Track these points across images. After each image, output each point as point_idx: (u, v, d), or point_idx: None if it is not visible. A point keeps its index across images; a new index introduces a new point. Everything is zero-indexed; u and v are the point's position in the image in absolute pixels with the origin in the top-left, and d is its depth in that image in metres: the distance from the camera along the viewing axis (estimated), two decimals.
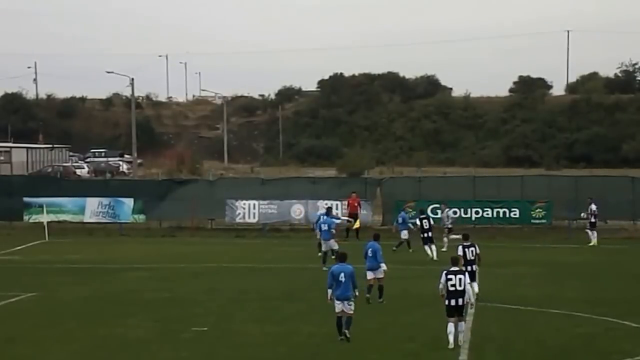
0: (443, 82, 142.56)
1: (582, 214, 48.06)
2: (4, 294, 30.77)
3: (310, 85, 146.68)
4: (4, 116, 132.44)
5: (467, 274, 23.06)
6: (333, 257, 33.67)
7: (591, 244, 46.38)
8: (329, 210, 40.87)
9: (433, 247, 40.45)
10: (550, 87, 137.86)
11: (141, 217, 54.85)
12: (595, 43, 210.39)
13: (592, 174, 63.45)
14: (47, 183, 61.90)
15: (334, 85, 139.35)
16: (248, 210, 53.48)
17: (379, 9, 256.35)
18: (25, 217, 55.26)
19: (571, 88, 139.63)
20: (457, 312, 22.37)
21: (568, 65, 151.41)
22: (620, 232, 50.74)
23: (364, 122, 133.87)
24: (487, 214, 51.92)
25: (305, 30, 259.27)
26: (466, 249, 27.87)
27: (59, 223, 54.50)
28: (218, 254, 43.49)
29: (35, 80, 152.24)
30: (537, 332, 24.37)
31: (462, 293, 22.36)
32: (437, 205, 49.60)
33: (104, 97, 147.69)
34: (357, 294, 23.37)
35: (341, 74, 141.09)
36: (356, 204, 50.61)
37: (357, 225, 48.71)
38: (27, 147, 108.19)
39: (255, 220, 53.62)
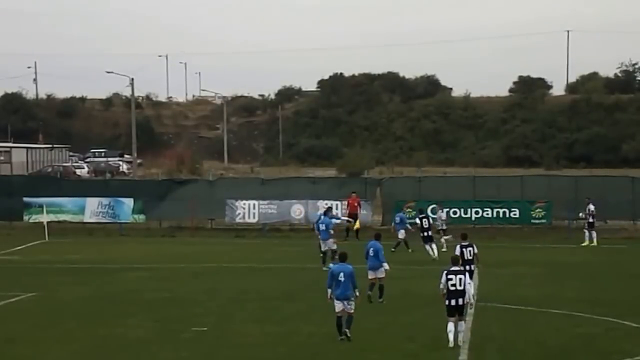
0: (443, 82, 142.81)
1: (580, 214, 48.06)
2: (4, 294, 30.77)
3: (310, 85, 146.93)
4: (4, 116, 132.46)
5: (467, 273, 23.06)
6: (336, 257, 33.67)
7: (585, 244, 46.39)
8: (326, 210, 40.77)
9: (434, 245, 40.49)
10: (550, 87, 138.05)
11: (141, 217, 54.85)
12: (595, 43, 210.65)
13: (592, 174, 63.43)
14: (47, 183, 61.91)
15: (334, 85, 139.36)
16: (248, 210, 53.49)
17: (379, 9, 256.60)
18: (25, 217, 55.26)
19: (571, 88, 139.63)
20: (457, 312, 22.38)
21: (568, 65, 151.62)
22: (620, 232, 50.74)
23: (364, 122, 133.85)
24: (487, 214, 51.91)
25: (305, 30, 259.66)
26: (464, 249, 27.85)
27: (59, 223, 54.50)
28: (218, 254, 43.49)
29: (35, 80, 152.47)
30: (537, 332, 24.36)
31: (462, 293, 22.36)
32: (435, 206, 49.67)
33: (104, 97, 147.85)
34: (357, 294, 23.37)
35: (341, 74, 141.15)
36: (356, 204, 50.61)
37: (357, 226, 48.68)
38: (27, 147, 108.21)
39: (255, 220, 53.62)
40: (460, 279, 22.45)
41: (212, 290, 31.97)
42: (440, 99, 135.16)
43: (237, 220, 53.72)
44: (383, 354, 22.10)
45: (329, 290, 23.29)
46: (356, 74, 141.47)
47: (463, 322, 22.57)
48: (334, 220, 39.82)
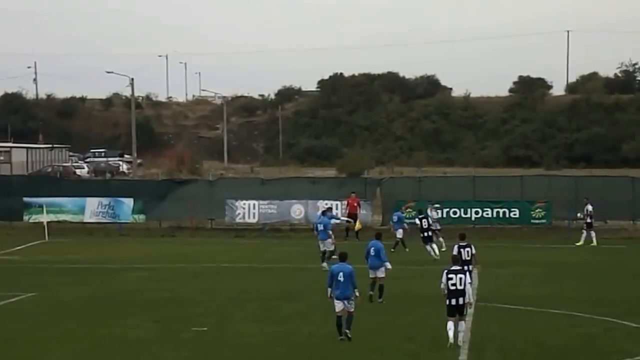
0: (443, 82, 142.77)
1: (578, 214, 48.04)
2: (4, 294, 30.77)
3: (310, 85, 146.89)
4: (4, 116, 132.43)
5: (468, 273, 23.05)
6: (334, 256, 33.72)
7: (579, 244, 46.40)
8: (324, 211, 40.69)
9: (434, 245, 40.49)
10: (550, 87, 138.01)
11: (141, 217, 54.86)
12: (595, 43, 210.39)
13: (592, 174, 63.44)
14: (47, 183, 61.90)
15: (334, 85, 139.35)
16: (248, 210, 53.50)
17: (379, 9, 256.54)
18: (25, 217, 55.28)
19: (571, 88, 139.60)
20: (457, 311, 22.37)
21: (568, 65, 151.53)
22: (620, 232, 50.76)
23: (363, 122, 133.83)
24: (487, 214, 51.93)
25: (305, 30, 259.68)
26: (462, 249, 27.74)
27: (59, 223, 54.51)
28: (218, 254, 43.50)
29: (35, 80, 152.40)
30: (537, 332, 24.37)
31: (462, 292, 22.35)
32: (437, 205, 49.69)
33: (104, 97, 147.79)
34: (357, 294, 23.37)
35: (341, 74, 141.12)
36: (355, 204, 50.62)
37: (359, 226, 48.63)
38: (27, 147, 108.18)
39: (255, 220, 53.63)
40: (460, 279, 22.44)
41: (212, 290, 31.98)
42: (440, 99, 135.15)
43: (237, 220, 53.73)
44: (383, 354, 22.10)
45: (329, 289, 23.31)
46: (356, 74, 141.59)
47: (463, 322, 22.56)
48: (332, 220, 39.84)
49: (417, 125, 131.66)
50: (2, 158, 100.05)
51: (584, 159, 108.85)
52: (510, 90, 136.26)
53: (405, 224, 43.35)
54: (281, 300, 29.93)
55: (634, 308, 27.88)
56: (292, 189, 54.71)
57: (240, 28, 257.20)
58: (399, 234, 42.90)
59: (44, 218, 52.84)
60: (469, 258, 27.77)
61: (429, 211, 44.16)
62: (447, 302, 22.44)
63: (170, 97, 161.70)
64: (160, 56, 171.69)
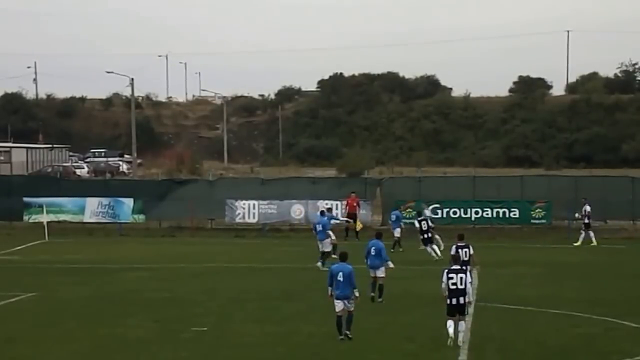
0: (443, 82, 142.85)
1: (576, 215, 48.04)
2: (4, 294, 30.77)
3: (310, 85, 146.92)
4: (4, 116, 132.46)
5: (468, 273, 23.03)
6: (334, 256, 33.77)
7: (577, 244, 46.39)
8: (323, 212, 40.64)
9: (434, 247, 40.44)
10: (550, 87, 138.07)
11: (141, 217, 54.86)
12: (595, 43, 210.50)
13: (592, 174, 63.47)
14: (47, 183, 61.87)
15: (333, 85, 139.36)
16: (248, 210, 53.49)
17: (379, 8, 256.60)
18: (25, 217, 55.28)
19: (571, 88, 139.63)
20: (457, 311, 22.37)
21: (568, 65, 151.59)
22: (620, 232, 50.76)
23: (363, 122, 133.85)
24: (487, 214, 51.91)
25: (305, 30, 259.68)
26: (460, 250, 27.56)
27: (59, 223, 54.52)
28: (218, 254, 43.50)
29: (35, 80, 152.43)
30: (537, 332, 24.37)
31: (462, 291, 22.35)
32: (437, 205, 49.76)
33: (103, 97, 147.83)
34: (357, 294, 23.36)
35: (341, 74, 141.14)
36: (355, 204, 50.61)
37: (359, 226, 48.64)
38: (27, 147, 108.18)
39: (255, 220, 53.63)
40: (461, 278, 22.44)
41: (212, 290, 31.98)
42: (440, 99, 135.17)
43: (237, 220, 53.73)
44: (383, 354, 22.10)
45: (330, 289, 23.32)
46: (356, 74, 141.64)
47: (463, 322, 22.56)
48: (331, 221, 39.84)
49: (417, 125, 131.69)
50: (2, 158, 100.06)
51: (584, 159, 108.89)
52: (510, 90, 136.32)
53: (402, 224, 43.45)
54: (281, 300, 29.93)
55: (634, 308, 27.88)
56: (292, 189, 54.70)
57: (240, 28, 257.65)
58: (397, 233, 42.99)
59: (44, 218, 52.84)
60: (467, 259, 27.61)
61: (424, 211, 44.27)
62: (448, 301, 22.44)
63: (170, 97, 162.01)
64: (160, 56, 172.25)
